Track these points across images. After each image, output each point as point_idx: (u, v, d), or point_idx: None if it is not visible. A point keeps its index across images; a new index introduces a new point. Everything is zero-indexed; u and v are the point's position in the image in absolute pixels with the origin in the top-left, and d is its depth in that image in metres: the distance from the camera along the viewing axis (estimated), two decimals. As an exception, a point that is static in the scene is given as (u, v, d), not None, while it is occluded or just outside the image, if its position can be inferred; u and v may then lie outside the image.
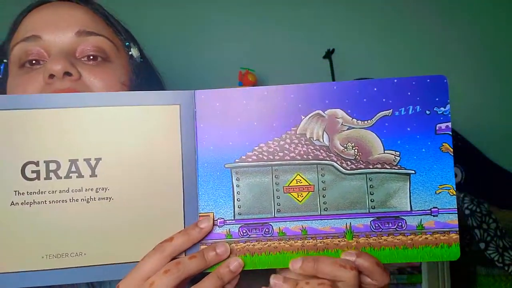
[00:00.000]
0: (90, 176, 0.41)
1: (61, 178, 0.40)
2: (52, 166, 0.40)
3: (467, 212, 1.12)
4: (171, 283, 0.38)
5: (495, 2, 1.48)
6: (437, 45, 1.46)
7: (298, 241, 0.42)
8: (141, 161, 0.42)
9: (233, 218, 0.42)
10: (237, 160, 0.42)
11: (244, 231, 0.42)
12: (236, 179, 0.42)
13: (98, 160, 0.41)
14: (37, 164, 0.40)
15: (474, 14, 1.47)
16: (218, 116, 0.42)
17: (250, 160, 0.42)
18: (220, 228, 0.42)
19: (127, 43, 0.56)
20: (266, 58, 1.45)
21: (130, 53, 0.56)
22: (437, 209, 0.42)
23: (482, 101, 1.47)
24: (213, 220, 0.42)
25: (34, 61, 0.51)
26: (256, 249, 0.42)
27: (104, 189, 0.41)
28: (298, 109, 0.42)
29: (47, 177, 0.40)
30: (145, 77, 0.57)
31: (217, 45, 1.43)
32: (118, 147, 0.41)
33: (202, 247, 0.42)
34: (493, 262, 1.08)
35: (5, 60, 0.54)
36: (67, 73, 0.48)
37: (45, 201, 0.40)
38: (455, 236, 0.42)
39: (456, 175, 1.21)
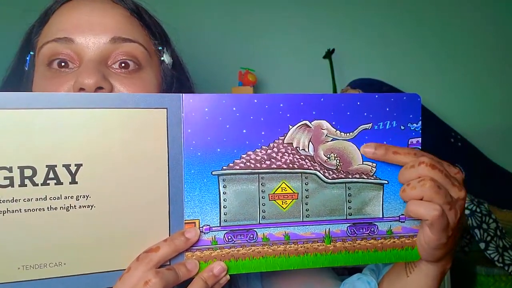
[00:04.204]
0: (70, 183, 0.38)
1: (37, 185, 0.37)
2: (27, 173, 0.37)
3: (467, 212, 1.11)
4: None
5: (495, 3, 1.52)
6: (437, 44, 1.50)
7: (281, 246, 0.44)
8: (125, 167, 0.40)
9: (219, 225, 0.42)
10: (224, 167, 0.42)
11: (229, 237, 0.43)
12: (223, 186, 0.42)
13: (78, 166, 0.38)
14: (10, 170, 0.36)
15: (474, 14, 1.51)
16: (206, 121, 0.41)
17: (238, 167, 0.42)
18: (206, 234, 0.42)
19: (159, 48, 0.53)
20: (266, 58, 1.42)
21: (162, 58, 0.54)
22: (404, 216, 0.46)
23: (482, 102, 1.50)
24: (199, 228, 0.42)
25: (63, 63, 0.47)
26: (240, 254, 0.43)
27: (86, 197, 0.39)
28: (286, 118, 0.43)
29: (22, 184, 0.37)
30: (176, 86, 0.55)
31: (217, 45, 1.37)
32: (100, 152, 0.39)
33: (187, 253, 0.42)
34: (493, 262, 1.07)
35: (31, 52, 0.50)
36: (99, 88, 0.45)
37: (20, 209, 0.37)
38: (418, 240, 0.46)
39: (456, 175, 1.28)
